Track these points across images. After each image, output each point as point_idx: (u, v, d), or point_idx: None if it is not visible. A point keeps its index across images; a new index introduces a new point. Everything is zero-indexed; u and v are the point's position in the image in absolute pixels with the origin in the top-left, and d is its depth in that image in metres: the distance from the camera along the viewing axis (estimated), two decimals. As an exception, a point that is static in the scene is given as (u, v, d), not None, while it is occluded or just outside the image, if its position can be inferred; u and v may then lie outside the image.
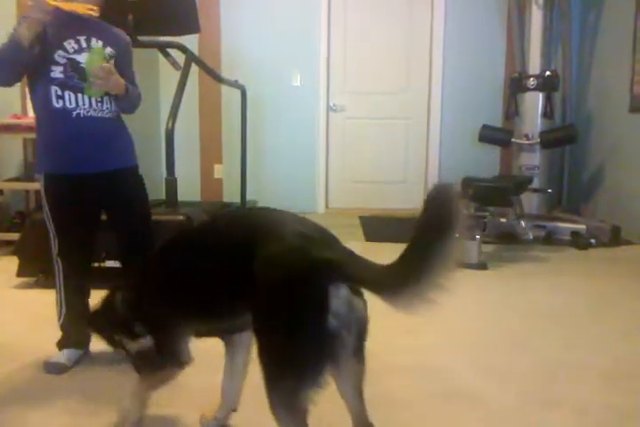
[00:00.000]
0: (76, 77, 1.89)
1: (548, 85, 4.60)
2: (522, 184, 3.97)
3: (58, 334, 2.12)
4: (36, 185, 3.99)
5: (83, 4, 1.88)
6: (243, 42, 5.48)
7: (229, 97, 5.31)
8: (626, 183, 4.62)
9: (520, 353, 2.27)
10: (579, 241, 4.24)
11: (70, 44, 1.89)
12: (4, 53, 1.78)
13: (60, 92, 1.89)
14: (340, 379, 1.29)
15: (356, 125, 5.71)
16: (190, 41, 4.02)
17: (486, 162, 5.51)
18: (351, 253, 1.25)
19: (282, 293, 1.17)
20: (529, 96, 4.70)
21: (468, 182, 3.74)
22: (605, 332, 2.52)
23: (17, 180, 4.02)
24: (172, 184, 3.08)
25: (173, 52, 3.38)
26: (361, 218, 5.33)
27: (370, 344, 1.29)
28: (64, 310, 2.06)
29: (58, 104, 1.89)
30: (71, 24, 1.91)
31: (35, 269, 3.07)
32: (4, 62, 1.80)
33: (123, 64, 1.99)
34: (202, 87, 5.36)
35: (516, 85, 4.74)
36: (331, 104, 5.66)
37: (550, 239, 4.41)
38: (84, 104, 1.91)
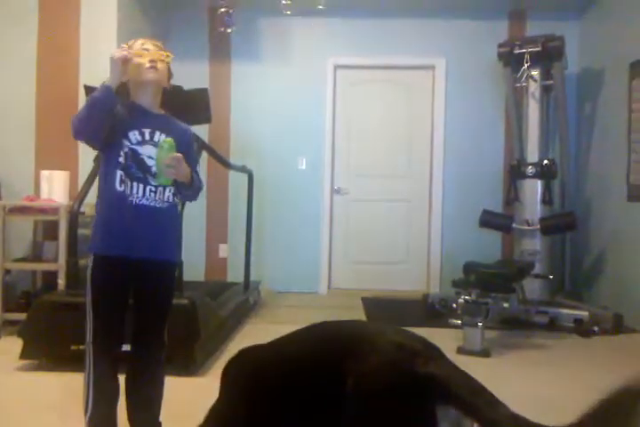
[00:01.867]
0: (134, 167, 1.99)
1: (546, 173, 4.75)
2: (524, 270, 4.01)
3: (62, 421, 2.07)
4: (44, 266, 4.13)
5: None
6: (250, 128, 5.73)
7: (237, 179, 5.48)
8: (627, 270, 4.66)
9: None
10: (581, 328, 4.22)
11: (135, 135, 2.00)
12: (95, 100, 1.88)
13: (124, 177, 1.99)
14: None
15: (359, 208, 5.84)
16: (201, 127, 4.23)
17: (488, 245, 5.58)
18: (464, 373, 1.12)
19: (382, 414, 1.03)
20: (528, 183, 4.84)
21: (470, 267, 3.79)
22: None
23: (24, 260, 4.09)
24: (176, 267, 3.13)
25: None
26: (363, 299, 5.33)
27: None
28: (92, 395, 1.98)
29: (120, 188, 1.98)
30: (138, 116, 2.04)
31: (39, 352, 3.07)
32: (95, 107, 1.88)
33: (186, 155, 2.06)
34: (210, 169, 5.54)
35: (515, 172, 4.90)
36: (335, 187, 5.82)
37: (553, 325, 4.40)
38: (137, 192, 2.00)
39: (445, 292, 5.06)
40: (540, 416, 2.54)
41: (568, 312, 4.46)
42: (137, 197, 2.00)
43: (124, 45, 2.02)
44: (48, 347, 3.07)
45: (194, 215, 5.46)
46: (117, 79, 1.92)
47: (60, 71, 4.47)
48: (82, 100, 4.22)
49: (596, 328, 4.21)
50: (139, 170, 1.99)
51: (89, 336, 1.99)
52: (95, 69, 4.10)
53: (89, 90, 3.31)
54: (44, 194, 4.06)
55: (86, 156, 4.15)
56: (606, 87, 5.15)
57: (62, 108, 4.35)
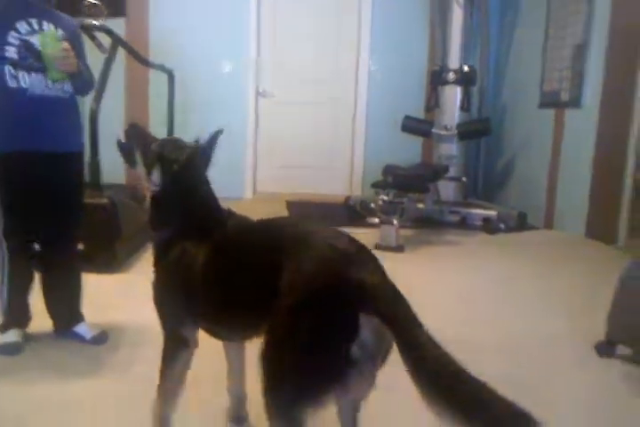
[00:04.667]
0: (31, 58, 1.91)
1: (466, 80, 4.86)
2: (438, 172, 4.21)
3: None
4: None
5: None
6: (170, 25, 5.45)
7: (157, 81, 5.27)
8: (533, 174, 4.98)
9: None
10: (489, 226, 4.55)
11: (23, 26, 1.91)
12: None
13: (13, 72, 1.90)
14: (344, 399, 1.26)
15: (284, 111, 5.81)
16: (117, 25, 4.00)
17: (409, 150, 5.74)
18: (392, 285, 1.14)
19: (309, 310, 1.08)
20: (448, 89, 4.96)
21: (388, 170, 3.95)
22: (502, 310, 2.78)
23: None
24: (95, 167, 3.09)
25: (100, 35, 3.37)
26: (288, 202, 5.45)
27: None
28: (5, 290, 2.03)
29: (12, 84, 1.90)
30: (21, 7, 1.94)
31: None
32: None
33: (74, 47, 1.99)
34: (128, 71, 5.29)
35: (436, 78, 4.99)
36: (260, 90, 5.73)
37: (464, 224, 4.71)
38: (39, 83, 1.93)
39: (366, 195, 5.25)
40: (449, 302, 2.83)
41: (477, 212, 4.77)
42: (39, 88, 1.94)
43: None
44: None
45: (111, 116, 5.27)
46: None
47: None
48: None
49: (502, 226, 4.56)
50: (36, 61, 1.91)
51: (0, 235, 1.99)
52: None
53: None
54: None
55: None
56: (528, -5, 5.20)
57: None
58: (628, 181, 3.96)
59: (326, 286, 1.09)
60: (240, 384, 1.60)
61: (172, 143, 1.51)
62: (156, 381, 1.47)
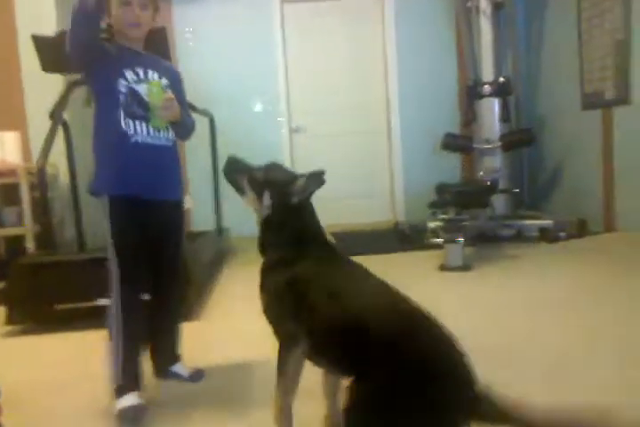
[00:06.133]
0: (136, 106, 1.92)
1: (502, 91, 4.80)
2: (493, 186, 4.12)
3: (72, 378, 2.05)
4: (8, 231, 3.97)
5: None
6: (201, 71, 5.51)
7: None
8: (582, 179, 4.85)
9: (523, 342, 2.35)
10: (548, 236, 4.42)
11: (130, 74, 1.92)
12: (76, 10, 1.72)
13: (124, 118, 1.91)
14: None
15: (318, 144, 5.80)
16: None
17: (448, 169, 5.68)
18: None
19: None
20: (485, 102, 4.90)
21: (443, 188, 3.86)
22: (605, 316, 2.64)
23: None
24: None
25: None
26: (333, 234, 5.38)
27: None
28: (122, 346, 1.87)
29: (125, 127, 1.90)
30: (130, 56, 1.95)
31: (24, 316, 2.98)
32: (80, 10, 1.71)
33: (176, 94, 2.00)
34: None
35: (472, 93, 4.94)
36: (293, 126, 5.74)
37: (520, 237, 4.58)
38: (142, 131, 1.93)
39: (413, 217, 5.17)
40: (543, 314, 2.69)
41: (533, 223, 4.64)
42: (141, 136, 1.93)
43: None
44: (33, 310, 2.99)
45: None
46: None
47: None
48: (24, 54, 3.98)
49: (562, 234, 4.41)
50: (139, 108, 1.92)
51: (116, 285, 1.88)
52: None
53: (38, 40, 3.10)
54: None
55: (34, 115, 3.94)
56: (554, 1, 5.16)
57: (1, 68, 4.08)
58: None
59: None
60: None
61: (278, 168, 1.61)
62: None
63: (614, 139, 4.45)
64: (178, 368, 2.19)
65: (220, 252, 4.48)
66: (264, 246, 1.57)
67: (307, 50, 5.72)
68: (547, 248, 4.25)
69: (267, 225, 1.56)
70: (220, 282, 3.83)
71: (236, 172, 1.60)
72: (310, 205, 1.57)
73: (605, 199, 4.59)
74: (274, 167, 1.60)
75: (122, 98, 1.90)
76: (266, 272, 1.54)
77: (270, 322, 1.51)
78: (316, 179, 1.53)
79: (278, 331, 1.50)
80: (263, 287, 1.54)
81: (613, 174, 4.50)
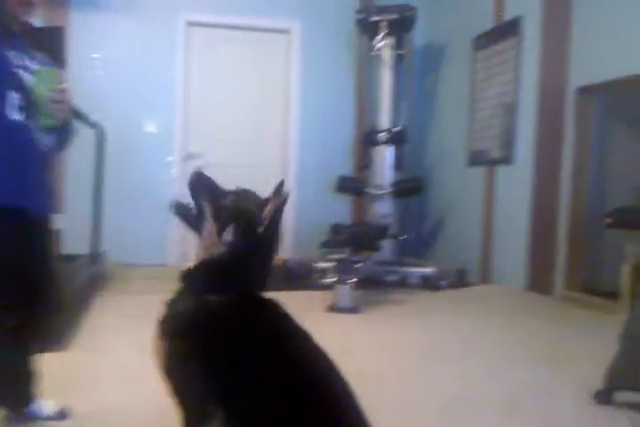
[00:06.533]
0: (18, 97, 1.57)
1: (397, 139, 4.98)
2: (385, 230, 4.19)
3: None
4: None
5: None
6: (94, 83, 5.19)
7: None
8: (465, 231, 5.10)
9: (414, 388, 2.34)
10: (431, 284, 4.55)
11: (14, 57, 1.61)
12: None
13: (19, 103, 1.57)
14: None
15: (212, 174, 5.62)
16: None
17: (339, 211, 5.73)
18: None
19: None
20: (380, 149, 5.04)
21: (337, 229, 3.86)
22: (478, 363, 2.70)
23: None
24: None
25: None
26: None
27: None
28: None
29: (17, 116, 1.56)
30: (10, 37, 1.65)
31: None
32: None
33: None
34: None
35: (368, 139, 5.07)
36: (187, 152, 5.55)
37: (404, 283, 4.68)
38: (23, 129, 1.60)
39: (301, 257, 5.13)
40: (424, 361, 2.71)
41: (417, 270, 4.77)
42: (24, 136, 1.63)
43: None
44: None
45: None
46: None
47: None
48: None
49: (443, 282, 4.56)
50: (23, 100, 1.58)
51: None
52: None
53: None
54: None
55: None
56: (450, 59, 5.51)
57: None
58: (562, 234, 4.13)
59: None
60: None
61: (249, 197, 1.33)
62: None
63: (496, 196, 4.74)
64: (36, 407, 1.87)
65: (93, 278, 4.13)
66: (205, 287, 1.27)
67: (208, 77, 5.61)
68: (431, 296, 4.36)
69: (219, 263, 1.26)
70: (93, 312, 3.50)
71: (201, 192, 1.32)
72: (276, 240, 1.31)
73: (483, 252, 4.84)
74: (246, 196, 1.33)
75: (10, 80, 1.57)
76: (183, 317, 1.25)
77: (173, 385, 1.21)
78: (279, 197, 1.28)
79: (184, 400, 1.20)
80: (171, 334, 1.23)
81: (492, 229, 4.76)
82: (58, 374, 2.28)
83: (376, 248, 3.97)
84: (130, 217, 5.34)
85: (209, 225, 1.28)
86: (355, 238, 3.65)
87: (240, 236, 1.25)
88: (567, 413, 2.15)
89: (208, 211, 1.29)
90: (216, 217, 1.27)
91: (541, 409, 2.16)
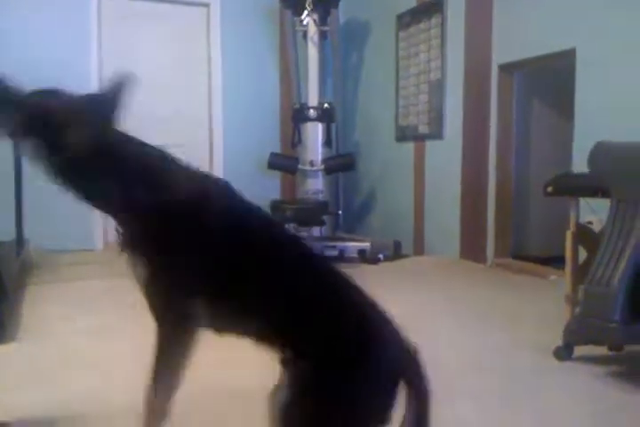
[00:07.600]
0: None
1: (326, 116, 5.00)
2: (326, 206, 4.22)
3: None
4: None
5: None
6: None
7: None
8: (396, 204, 5.23)
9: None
10: (368, 257, 4.65)
11: None
12: None
13: None
14: None
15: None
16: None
17: (269, 187, 5.69)
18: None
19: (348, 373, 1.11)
20: (310, 126, 5.05)
21: (278, 205, 3.85)
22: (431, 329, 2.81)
23: None
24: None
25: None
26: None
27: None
28: None
29: None
30: None
31: None
32: None
33: None
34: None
35: (298, 116, 5.06)
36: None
37: (342, 258, 4.75)
38: None
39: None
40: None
41: (353, 244, 4.85)
42: None
43: None
44: None
45: None
46: None
47: None
48: None
49: (380, 255, 4.68)
50: None
51: None
52: None
53: None
54: None
55: None
56: (373, 37, 5.56)
57: None
58: (491, 205, 4.34)
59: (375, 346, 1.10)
60: None
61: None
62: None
63: (426, 170, 4.88)
64: None
65: (22, 267, 3.88)
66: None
67: (125, 52, 5.34)
68: (370, 269, 4.45)
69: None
70: (30, 301, 3.31)
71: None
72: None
73: (416, 225, 4.99)
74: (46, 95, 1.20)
75: None
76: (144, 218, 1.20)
77: (153, 288, 1.20)
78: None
79: (165, 300, 1.19)
80: (143, 235, 1.20)
81: (424, 202, 4.92)
82: (13, 367, 2.16)
83: (322, 223, 4.00)
84: (51, 201, 5.03)
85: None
86: (300, 214, 3.66)
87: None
88: (529, 369, 2.27)
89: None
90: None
91: (505, 368, 2.28)
